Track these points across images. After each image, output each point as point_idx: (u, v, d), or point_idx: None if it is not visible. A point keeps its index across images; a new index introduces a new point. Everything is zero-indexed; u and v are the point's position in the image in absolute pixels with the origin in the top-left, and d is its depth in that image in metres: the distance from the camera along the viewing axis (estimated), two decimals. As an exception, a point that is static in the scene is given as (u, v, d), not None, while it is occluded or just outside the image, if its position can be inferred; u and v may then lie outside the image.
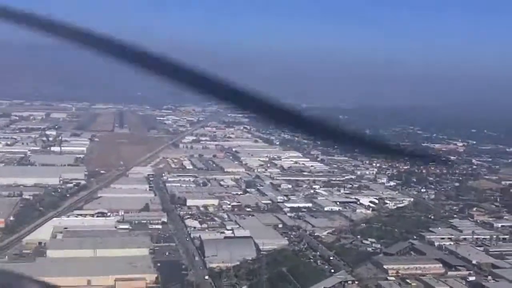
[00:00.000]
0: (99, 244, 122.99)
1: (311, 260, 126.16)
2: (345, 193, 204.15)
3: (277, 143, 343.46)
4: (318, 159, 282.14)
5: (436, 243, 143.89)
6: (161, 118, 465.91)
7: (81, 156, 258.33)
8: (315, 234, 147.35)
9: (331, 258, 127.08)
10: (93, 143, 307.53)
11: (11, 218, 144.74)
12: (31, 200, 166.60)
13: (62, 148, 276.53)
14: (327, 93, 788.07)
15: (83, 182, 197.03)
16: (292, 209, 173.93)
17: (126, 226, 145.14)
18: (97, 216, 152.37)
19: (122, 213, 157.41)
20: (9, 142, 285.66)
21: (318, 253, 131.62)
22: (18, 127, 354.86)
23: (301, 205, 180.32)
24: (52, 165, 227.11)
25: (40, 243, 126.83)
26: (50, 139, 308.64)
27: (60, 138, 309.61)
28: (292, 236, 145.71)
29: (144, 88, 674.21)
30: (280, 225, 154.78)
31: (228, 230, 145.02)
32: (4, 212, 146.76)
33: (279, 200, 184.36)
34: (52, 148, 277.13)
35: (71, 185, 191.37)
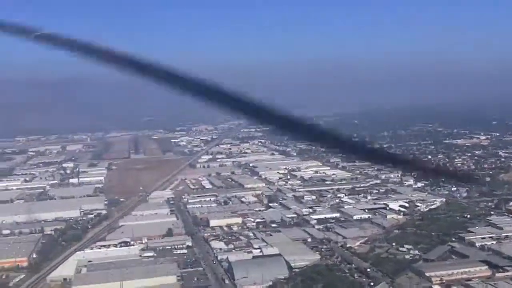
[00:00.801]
0: (125, 275, 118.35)
1: (347, 274, 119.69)
2: (372, 199, 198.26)
3: (294, 154, 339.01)
4: (339, 166, 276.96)
5: (478, 244, 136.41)
6: (175, 140, 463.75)
7: (100, 185, 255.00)
8: (347, 245, 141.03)
9: (368, 269, 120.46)
10: (110, 172, 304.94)
11: (34, 256, 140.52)
12: (53, 235, 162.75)
13: (80, 179, 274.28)
14: (339, 99, 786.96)
15: (103, 212, 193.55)
16: (319, 221, 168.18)
17: (151, 254, 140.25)
18: (121, 246, 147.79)
19: (146, 240, 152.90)
20: (27, 178, 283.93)
21: (353, 265, 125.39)
22: (35, 163, 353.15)
23: (328, 216, 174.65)
24: (71, 197, 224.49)
25: (65, 279, 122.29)
26: (68, 171, 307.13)
27: (77, 169, 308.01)
28: (323, 250, 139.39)
29: (155, 112, 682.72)
30: (309, 239, 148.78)
31: (255, 249, 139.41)
32: (27, 250, 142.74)
33: (304, 213, 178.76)
34: (71, 181, 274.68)
35: (92, 216, 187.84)
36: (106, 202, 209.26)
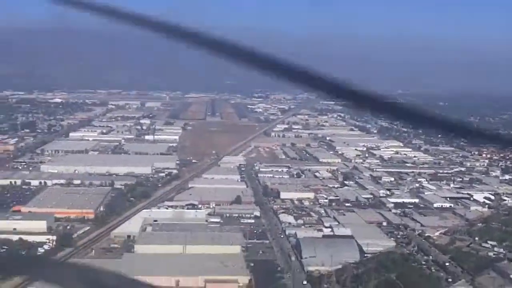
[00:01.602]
0: (189, 239, 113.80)
1: (424, 266, 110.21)
2: (455, 187, 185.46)
3: (375, 131, 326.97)
4: (422, 149, 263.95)
5: None
6: (252, 107, 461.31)
7: (174, 144, 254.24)
8: (426, 234, 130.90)
9: (447, 264, 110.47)
10: (185, 132, 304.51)
11: (101, 209, 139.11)
12: (122, 190, 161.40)
13: (156, 136, 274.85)
14: (423, 79, 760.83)
15: (175, 171, 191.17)
16: (397, 205, 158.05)
17: (217, 220, 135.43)
18: (188, 208, 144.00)
19: (213, 205, 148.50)
20: (104, 131, 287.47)
21: (430, 257, 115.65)
22: (114, 116, 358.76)
23: (406, 200, 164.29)
24: (145, 153, 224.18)
25: (128, 236, 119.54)
26: (144, 127, 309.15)
27: (153, 126, 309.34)
28: (399, 236, 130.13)
29: (235, 77, 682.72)
30: (385, 223, 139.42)
31: (326, 227, 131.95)
32: (95, 202, 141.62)
33: (381, 195, 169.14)
34: (146, 137, 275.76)
35: (163, 174, 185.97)
36: (178, 162, 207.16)
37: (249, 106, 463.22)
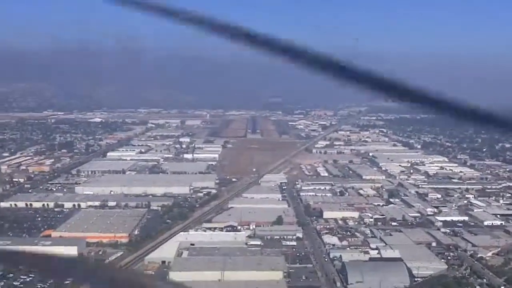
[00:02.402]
0: (228, 264, 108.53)
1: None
2: (505, 203, 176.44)
3: (418, 146, 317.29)
4: (467, 164, 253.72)
5: None
6: (293, 123, 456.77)
7: (213, 163, 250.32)
8: (478, 255, 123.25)
9: (502, 287, 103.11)
10: (225, 149, 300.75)
11: (136, 232, 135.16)
12: (158, 212, 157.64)
13: (195, 155, 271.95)
14: (464, 94, 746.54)
15: (213, 191, 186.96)
16: (446, 223, 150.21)
17: (258, 243, 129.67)
18: (227, 230, 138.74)
19: (253, 226, 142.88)
20: (143, 150, 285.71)
21: (484, 280, 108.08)
22: (153, 135, 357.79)
23: (455, 218, 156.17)
24: (183, 173, 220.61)
25: (163, 262, 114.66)
26: (184, 146, 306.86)
27: (193, 145, 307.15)
28: (450, 258, 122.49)
29: (276, 94, 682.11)
30: (434, 244, 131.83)
31: (372, 249, 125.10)
32: (130, 225, 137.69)
33: (428, 213, 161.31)
34: (185, 155, 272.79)
35: (201, 194, 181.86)
36: (217, 181, 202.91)
37: (290, 123, 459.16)
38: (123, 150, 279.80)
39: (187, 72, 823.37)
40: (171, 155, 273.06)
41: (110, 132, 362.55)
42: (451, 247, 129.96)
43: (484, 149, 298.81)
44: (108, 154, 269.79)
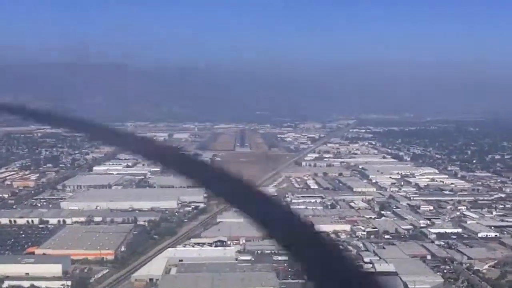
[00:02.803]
0: (218, 281, 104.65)
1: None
2: (498, 215, 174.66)
3: (408, 158, 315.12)
4: (458, 175, 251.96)
5: None
6: (282, 136, 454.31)
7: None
8: (474, 268, 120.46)
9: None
10: (213, 163, 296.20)
11: (122, 249, 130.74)
12: (145, 227, 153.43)
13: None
14: (452, 105, 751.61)
15: (202, 204, 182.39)
16: (439, 235, 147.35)
17: (248, 258, 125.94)
18: (216, 246, 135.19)
19: (243, 241, 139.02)
20: (130, 164, 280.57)
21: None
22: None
23: (448, 230, 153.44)
24: (171, 186, 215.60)
25: (151, 279, 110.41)
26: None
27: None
28: (446, 271, 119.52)
29: (264, 107, 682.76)
30: (429, 257, 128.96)
31: (366, 263, 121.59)
32: (116, 242, 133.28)
33: (421, 225, 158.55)
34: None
35: (189, 208, 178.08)
36: (205, 195, 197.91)
37: (278, 136, 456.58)
38: (109, 164, 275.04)
39: (175, 85, 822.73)
40: (158, 169, 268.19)
41: (97, 146, 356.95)
42: (446, 260, 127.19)
43: (474, 161, 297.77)
44: (94, 168, 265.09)
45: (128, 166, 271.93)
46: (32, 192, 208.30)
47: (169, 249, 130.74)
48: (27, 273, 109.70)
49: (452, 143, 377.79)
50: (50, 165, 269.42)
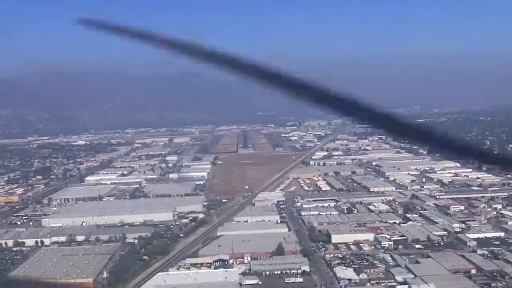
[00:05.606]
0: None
1: None
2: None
3: (425, 152, 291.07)
4: (483, 168, 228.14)
5: None
6: (286, 135, 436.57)
7: (201, 182, 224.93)
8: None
9: None
10: (215, 167, 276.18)
11: (104, 275, 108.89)
12: (135, 245, 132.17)
13: (181, 174, 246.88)
14: (459, 96, 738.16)
15: (201, 215, 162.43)
16: (480, 242, 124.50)
17: (254, 282, 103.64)
18: (216, 266, 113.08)
19: (248, 259, 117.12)
20: (125, 172, 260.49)
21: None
22: (138, 155, 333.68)
23: (489, 235, 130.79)
24: (167, 195, 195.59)
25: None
26: (170, 165, 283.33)
27: (180, 163, 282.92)
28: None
29: (266, 107, 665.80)
30: (473, 271, 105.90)
31: (400, 283, 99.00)
32: (97, 266, 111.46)
33: (456, 230, 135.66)
34: (171, 175, 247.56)
35: (186, 220, 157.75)
36: (205, 203, 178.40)
37: (283, 135, 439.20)
38: (103, 173, 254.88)
39: (177, 90, 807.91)
40: (155, 176, 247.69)
41: (93, 155, 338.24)
42: (495, 274, 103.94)
43: (495, 151, 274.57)
44: (86, 178, 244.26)
45: (123, 175, 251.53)
46: (16, 208, 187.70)
47: (160, 273, 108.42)
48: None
49: (467, 134, 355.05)
50: (39, 177, 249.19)
